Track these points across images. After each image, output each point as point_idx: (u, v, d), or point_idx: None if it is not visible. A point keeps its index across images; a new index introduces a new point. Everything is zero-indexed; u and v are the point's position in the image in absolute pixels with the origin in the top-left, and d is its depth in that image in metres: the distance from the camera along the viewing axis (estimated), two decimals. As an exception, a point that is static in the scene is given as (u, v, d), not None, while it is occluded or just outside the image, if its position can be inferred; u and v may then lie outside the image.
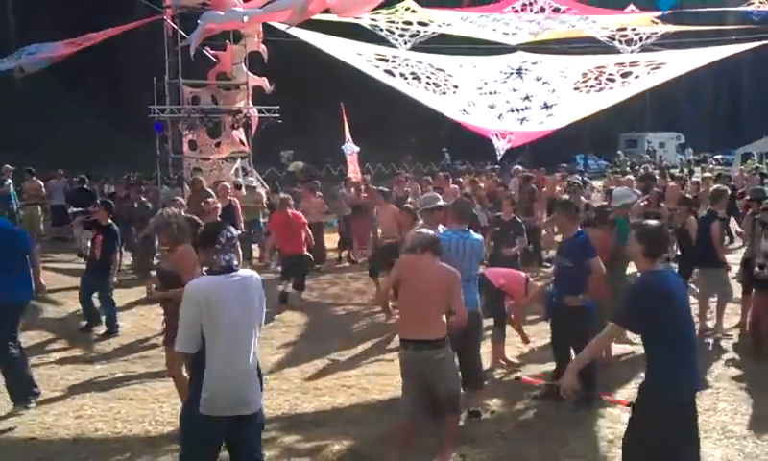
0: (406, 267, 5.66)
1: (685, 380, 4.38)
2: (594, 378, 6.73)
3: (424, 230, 6.14)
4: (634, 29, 13.43)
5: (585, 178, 20.42)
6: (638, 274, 4.54)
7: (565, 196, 10.86)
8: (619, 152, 42.89)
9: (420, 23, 12.49)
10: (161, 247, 7.90)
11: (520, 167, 22.55)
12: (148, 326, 10.24)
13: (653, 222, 4.87)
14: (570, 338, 6.79)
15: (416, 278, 5.49)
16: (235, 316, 4.15)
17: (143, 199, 15.43)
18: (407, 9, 11.96)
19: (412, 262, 5.64)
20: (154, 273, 11.04)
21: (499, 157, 12.38)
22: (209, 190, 13.53)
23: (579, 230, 7.12)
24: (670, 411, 4.32)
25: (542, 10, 13.40)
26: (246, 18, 11.53)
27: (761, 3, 14.96)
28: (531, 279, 8.69)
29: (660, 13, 13.52)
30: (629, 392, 7.00)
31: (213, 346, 4.10)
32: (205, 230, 4.61)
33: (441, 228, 6.87)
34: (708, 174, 21.15)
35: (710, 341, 9.05)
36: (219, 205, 9.56)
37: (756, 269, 8.41)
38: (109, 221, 10.14)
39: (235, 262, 4.30)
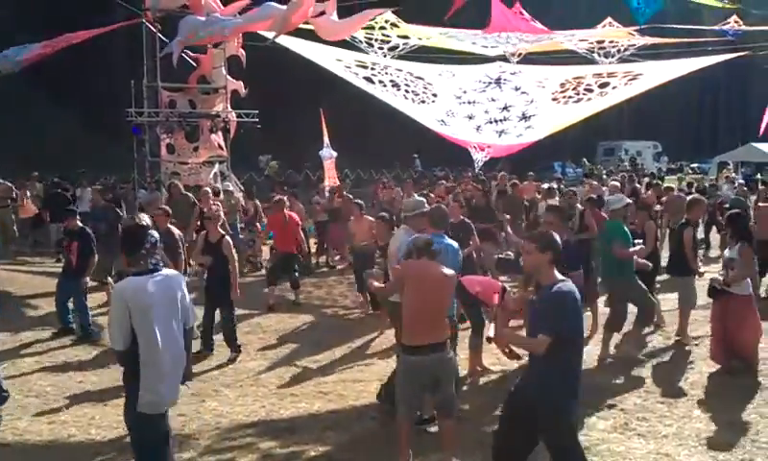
0: (408, 273, 5.59)
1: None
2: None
3: (420, 235, 6.13)
4: (611, 41, 13.57)
5: (561, 185, 20.49)
6: (554, 284, 4.44)
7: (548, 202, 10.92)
8: (584, 160, 43.30)
9: (399, 36, 12.51)
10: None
11: (505, 173, 22.64)
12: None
13: (551, 232, 4.81)
14: None
15: (420, 283, 5.44)
16: (163, 312, 4.38)
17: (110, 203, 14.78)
18: (387, 21, 11.93)
19: (413, 267, 5.60)
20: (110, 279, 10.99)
21: (477, 169, 12.43)
22: (189, 194, 13.46)
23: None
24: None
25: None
26: (227, 30, 11.45)
27: (736, 22, 15.36)
28: (508, 289, 8.66)
29: (638, 27, 13.67)
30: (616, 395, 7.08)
31: (147, 342, 4.29)
32: (129, 234, 4.70)
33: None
34: (669, 184, 21.26)
35: (685, 349, 9.13)
36: (221, 211, 9.74)
37: (716, 276, 8.27)
38: (80, 225, 10.05)
39: (160, 263, 4.54)
